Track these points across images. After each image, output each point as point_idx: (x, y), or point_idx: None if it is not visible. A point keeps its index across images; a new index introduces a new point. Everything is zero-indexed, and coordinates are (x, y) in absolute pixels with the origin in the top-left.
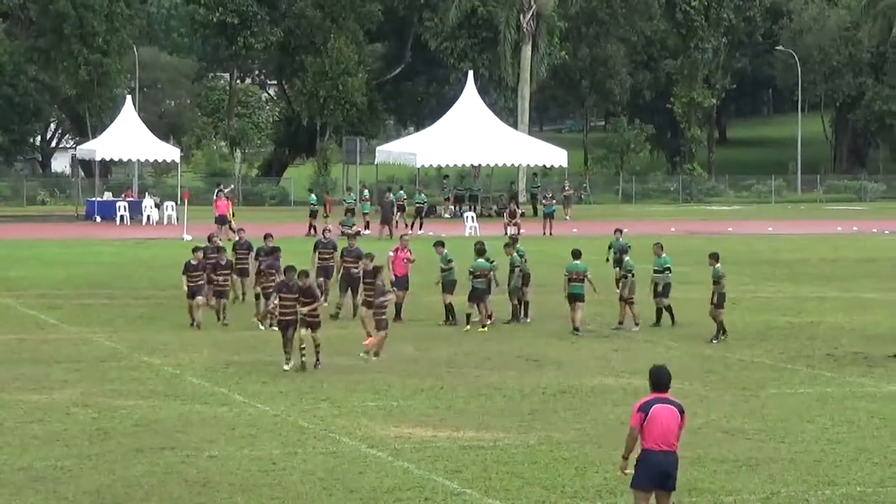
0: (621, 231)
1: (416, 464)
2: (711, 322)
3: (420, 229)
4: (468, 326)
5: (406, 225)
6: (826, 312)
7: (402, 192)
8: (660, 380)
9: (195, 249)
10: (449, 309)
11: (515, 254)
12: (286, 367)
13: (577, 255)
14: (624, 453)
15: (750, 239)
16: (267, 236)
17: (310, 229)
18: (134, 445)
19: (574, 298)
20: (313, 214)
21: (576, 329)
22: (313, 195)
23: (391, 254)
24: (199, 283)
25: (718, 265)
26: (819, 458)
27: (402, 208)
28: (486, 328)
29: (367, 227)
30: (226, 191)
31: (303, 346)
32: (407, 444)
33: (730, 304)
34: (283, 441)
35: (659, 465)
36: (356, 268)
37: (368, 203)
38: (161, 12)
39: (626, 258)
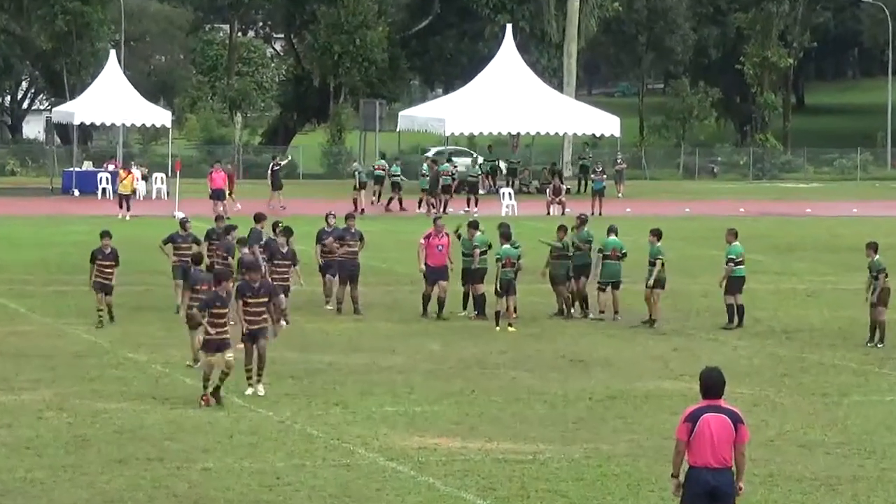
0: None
1: (443, 479)
2: (786, 318)
3: (476, 206)
4: (498, 327)
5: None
6: None
7: (447, 165)
8: (711, 384)
9: (230, 229)
10: (480, 300)
11: (571, 235)
12: (249, 392)
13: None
14: (673, 471)
15: (831, 222)
16: (259, 217)
17: (389, 203)
18: (116, 455)
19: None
20: (396, 187)
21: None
22: (397, 165)
23: (422, 241)
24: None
25: (878, 256)
26: None
27: (444, 189)
28: (513, 327)
29: (419, 205)
30: (283, 163)
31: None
32: (432, 457)
33: (807, 297)
34: (288, 452)
35: (708, 484)
36: (357, 253)
37: (424, 178)
38: None
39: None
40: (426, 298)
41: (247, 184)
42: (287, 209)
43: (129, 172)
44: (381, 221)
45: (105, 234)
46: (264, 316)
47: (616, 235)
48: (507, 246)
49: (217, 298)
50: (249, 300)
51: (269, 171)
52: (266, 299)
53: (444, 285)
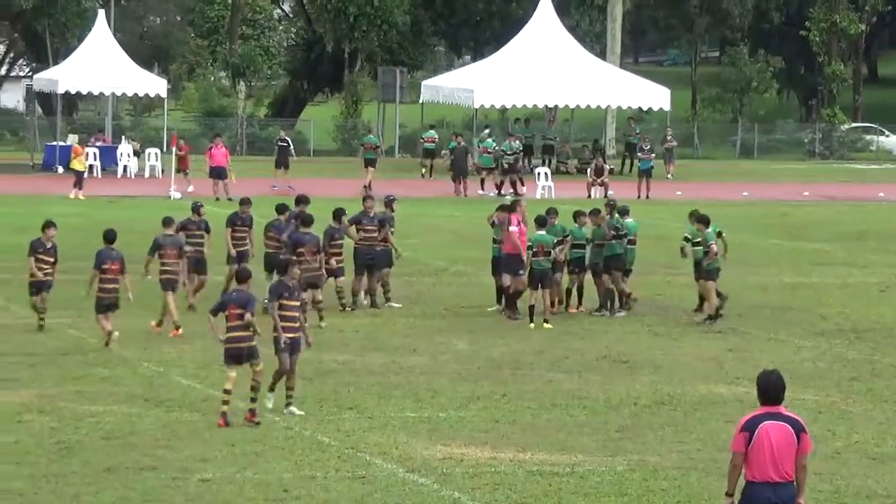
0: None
1: (470, 493)
2: (856, 316)
3: (513, 188)
4: (533, 324)
5: (496, 185)
6: None
7: (487, 134)
8: (770, 389)
9: (280, 210)
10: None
11: (604, 223)
12: (270, 405)
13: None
14: (728, 488)
15: None
16: (300, 199)
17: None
18: (104, 464)
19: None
20: (455, 168)
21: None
22: (455, 141)
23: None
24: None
25: None
26: None
27: (509, 168)
28: (549, 323)
29: (489, 185)
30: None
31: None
32: (458, 469)
33: (880, 291)
34: (296, 461)
35: (768, 500)
36: (376, 240)
37: (489, 155)
38: None
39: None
40: (509, 292)
41: (251, 161)
42: (294, 190)
43: (85, 147)
44: (404, 204)
45: (49, 225)
46: (299, 323)
47: (629, 216)
48: (540, 232)
49: (253, 300)
50: (286, 302)
51: (276, 146)
52: (300, 302)
53: (521, 280)
